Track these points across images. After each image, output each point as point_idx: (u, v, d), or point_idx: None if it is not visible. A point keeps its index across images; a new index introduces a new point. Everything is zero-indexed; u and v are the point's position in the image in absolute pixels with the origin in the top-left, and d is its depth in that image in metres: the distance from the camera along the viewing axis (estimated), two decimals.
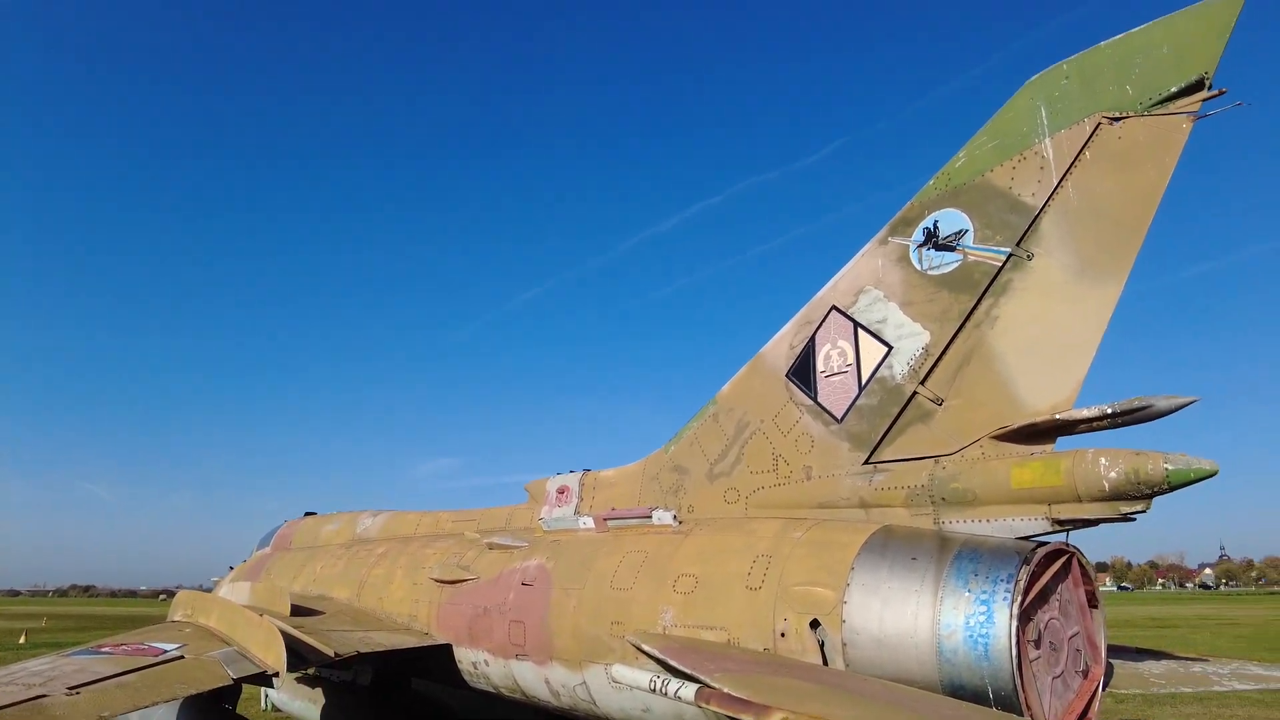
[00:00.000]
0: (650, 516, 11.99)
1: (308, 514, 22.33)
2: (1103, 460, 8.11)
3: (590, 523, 12.92)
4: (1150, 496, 8.01)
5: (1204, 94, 8.28)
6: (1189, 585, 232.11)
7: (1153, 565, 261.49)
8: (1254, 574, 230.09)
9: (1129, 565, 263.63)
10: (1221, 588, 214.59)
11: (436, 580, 14.02)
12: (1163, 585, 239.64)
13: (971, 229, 9.69)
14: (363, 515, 19.75)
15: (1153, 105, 8.57)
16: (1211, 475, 7.71)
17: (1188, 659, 11.90)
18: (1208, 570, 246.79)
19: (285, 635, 11.16)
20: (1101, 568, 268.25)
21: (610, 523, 12.63)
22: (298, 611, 13.69)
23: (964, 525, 9.11)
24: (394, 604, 14.84)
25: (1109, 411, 8.32)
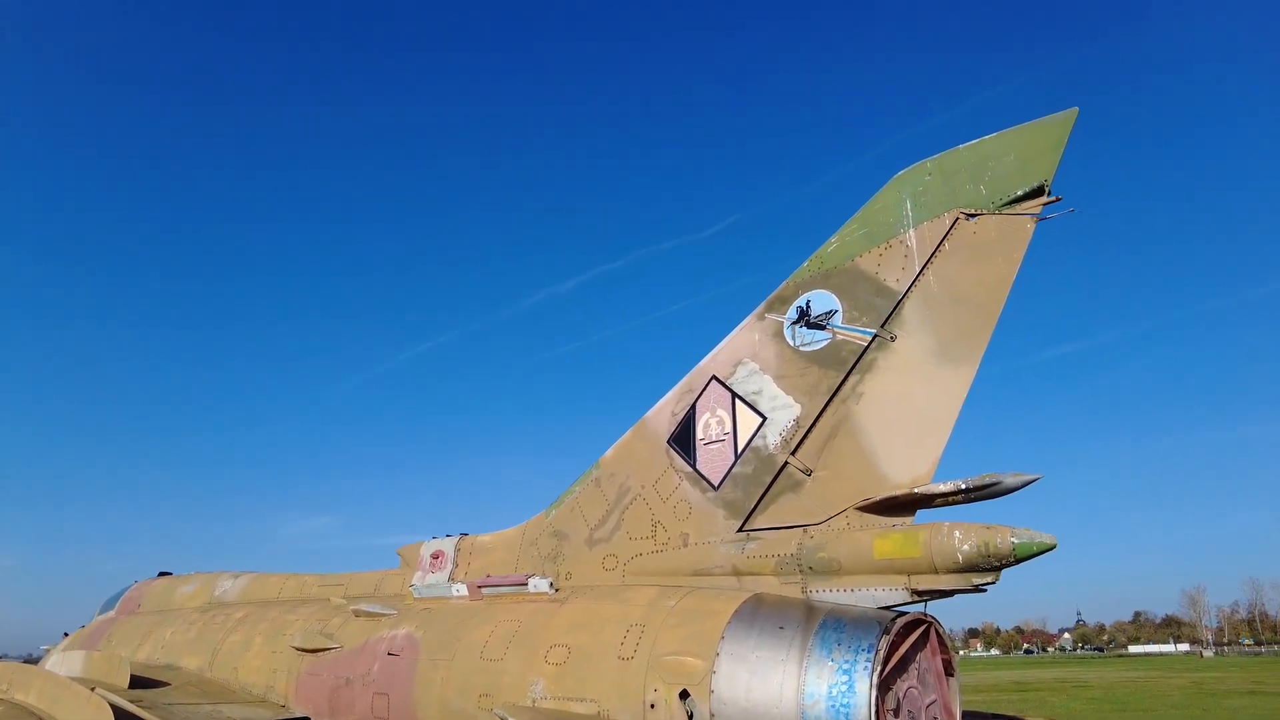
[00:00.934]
0: (526, 584, 11.77)
1: (162, 574, 20.69)
2: (957, 533, 8.57)
3: (463, 590, 12.55)
4: (999, 569, 8.49)
5: (1044, 199, 9.12)
6: (1050, 650, 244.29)
7: (1019, 630, 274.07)
8: (1105, 637, 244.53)
9: (998, 630, 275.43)
10: (1079, 650, 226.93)
11: (297, 649, 13.22)
12: (1027, 650, 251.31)
13: (841, 309, 10.23)
14: (222, 577, 18.48)
15: (1003, 205, 9.37)
16: (1051, 549, 8.26)
17: None
18: (1066, 635, 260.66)
19: (118, 711, 10.23)
20: (974, 633, 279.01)
21: (484, 590, 12.31)
22: (138, 683, 12.60)
23: (830, 594, 9.38)
24: (250, 674, 13.87)
25: (963, 487, 8.83)
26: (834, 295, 10.37)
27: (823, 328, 10.33)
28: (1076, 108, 9.14)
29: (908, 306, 9.77)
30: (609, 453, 12.23)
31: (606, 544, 11.65)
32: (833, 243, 10.62)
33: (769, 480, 10.25)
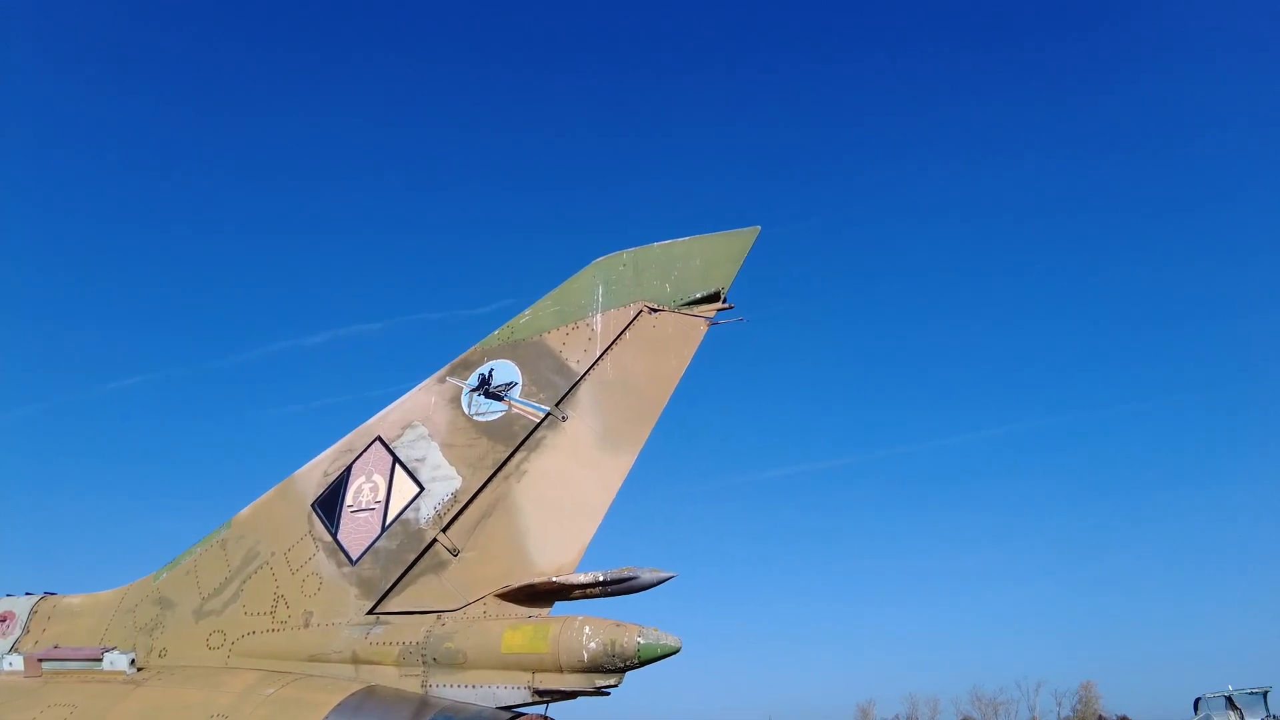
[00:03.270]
0: (101, 659, 9.61)
1: None
2: (587, 629, 8.11)
3: (19, 663, 10.04)
4: (623, 670, 8.10)
5: (719, 305, 9.44)
6: None
7: None
8: None
9: None
10: None
11: None
12: None
13: (521, 383, 9.80)
14: None
15: (683, 304, 9.56)
16: (676, 651, 8.04)
17: None
18: None
19: None
20: None
21: (46, 665, 9.91)
22: None
23: (451, 690, 8.46)
24: None
25: (600, 579, 8.47)
26: (517, 367, 9.94)
27: (500, 399, 9.81)
28: (759, 226, 9.69)
29: (583, 388, 9.55)
30: (245, 511, 10.62)
31: (217, 617, 9.90)
32: (526, 315, 10.28)
33: (413, 558, 9.29)
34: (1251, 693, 21.31)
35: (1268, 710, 20.23)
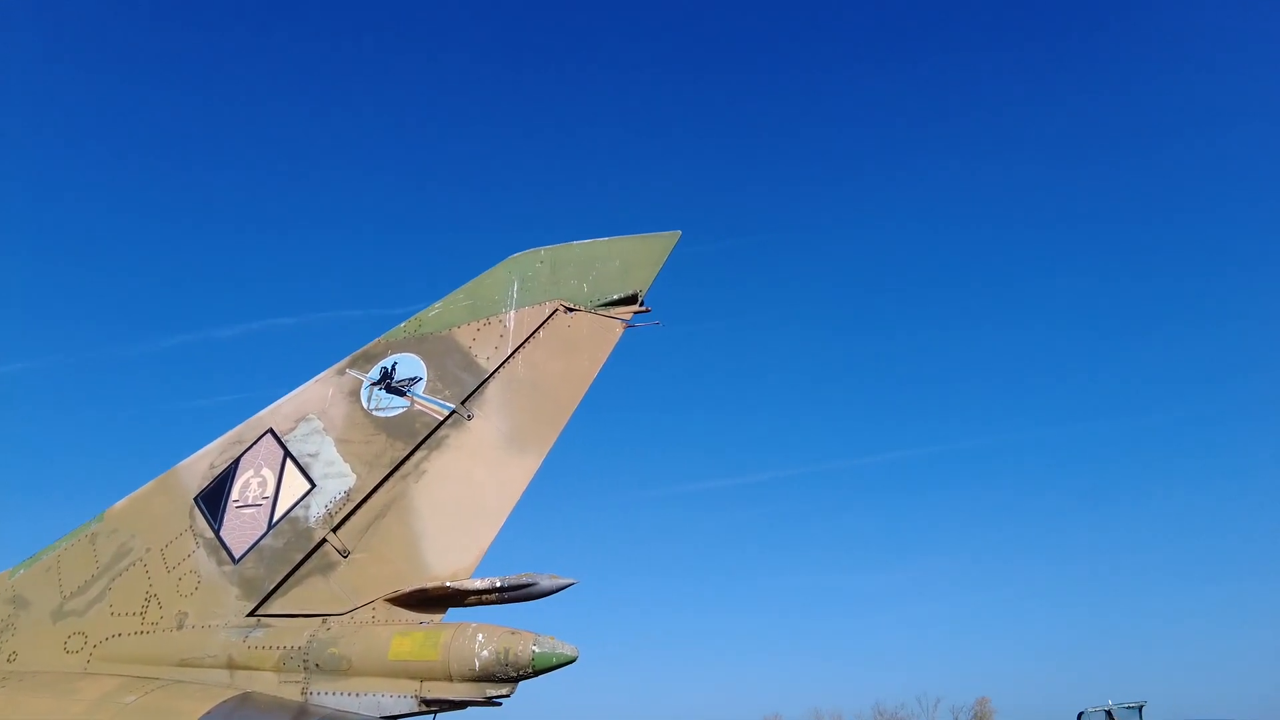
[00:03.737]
0: None
1: None
2: (480, 636, 7.79)
3: None
4: (516, 680, 7.80)
5: (636, 307, 9.28)
6: None
7: None
8: None
9: None
10: None
11: None
12: None
13: (426, 378, 9.41)
14: None
15: (599, 305, 9.37)
16: (572, 661, 7.79)
17: None
18: None
19: None
20: None
21: None
22: None
23: (333, 698, 7.98)
24: None
25: (497, 585, 8.16)
26: (423, 362, 9.54)
27: (403, 394, 9.39)
28: (680, 231, 9.60)
29: (492, 387, 9.23)
30: (120, 504, 9.85)
31: (78, 618, 9.13)
32: (436, 308, 9.90)
33: (300, 558, 8.77)
34: (1128, 707, 22.31)
35: None
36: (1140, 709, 21.91)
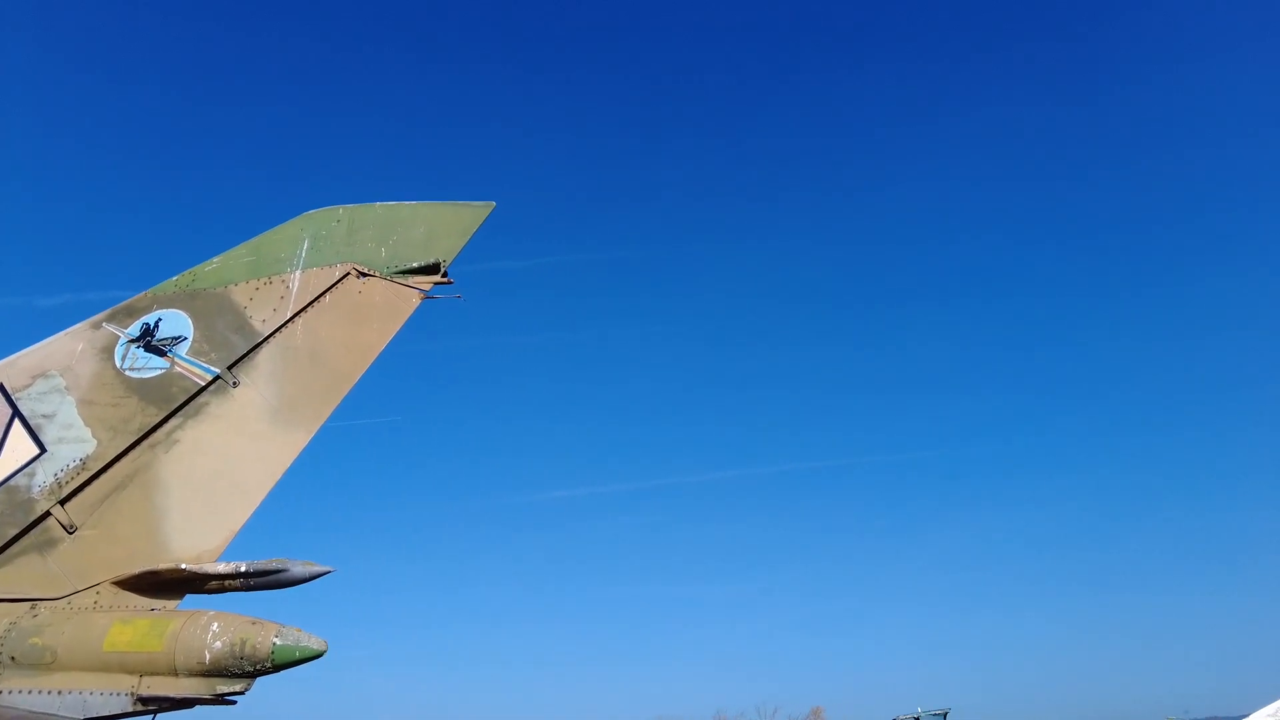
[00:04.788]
0: None
1: None
2: (215, 626, 6.91)
3: None
4: (253, 675, 6.96)
5: (438, 278, 8.65)
6: None
7: None
8: None
9: None
10: None
11: None
12: None
13: (191, 338, 8.41)
14: None
15: (397, 272, 8.67)
16: (319, 655, 7.04)
17: None
18: None
19: None
20: None
21: None
22: None
23: (28, 696, 6.87)
24: None
25: (242, 570, 7.31)
26: (190, 320, 8.53)
27: (163, 354, 8.35)
28: (494, 202, 9.04)
29: (264, 353, 8.34)
30: None
31: None
32: (214, 262, 8.89)
33: (14, 533, 7.57)
34: (934, 714, 23.34)
35: None
36: (945, 715, 22.96)
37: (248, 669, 6.86)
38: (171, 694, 6.78)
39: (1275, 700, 20.85)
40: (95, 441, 7.94)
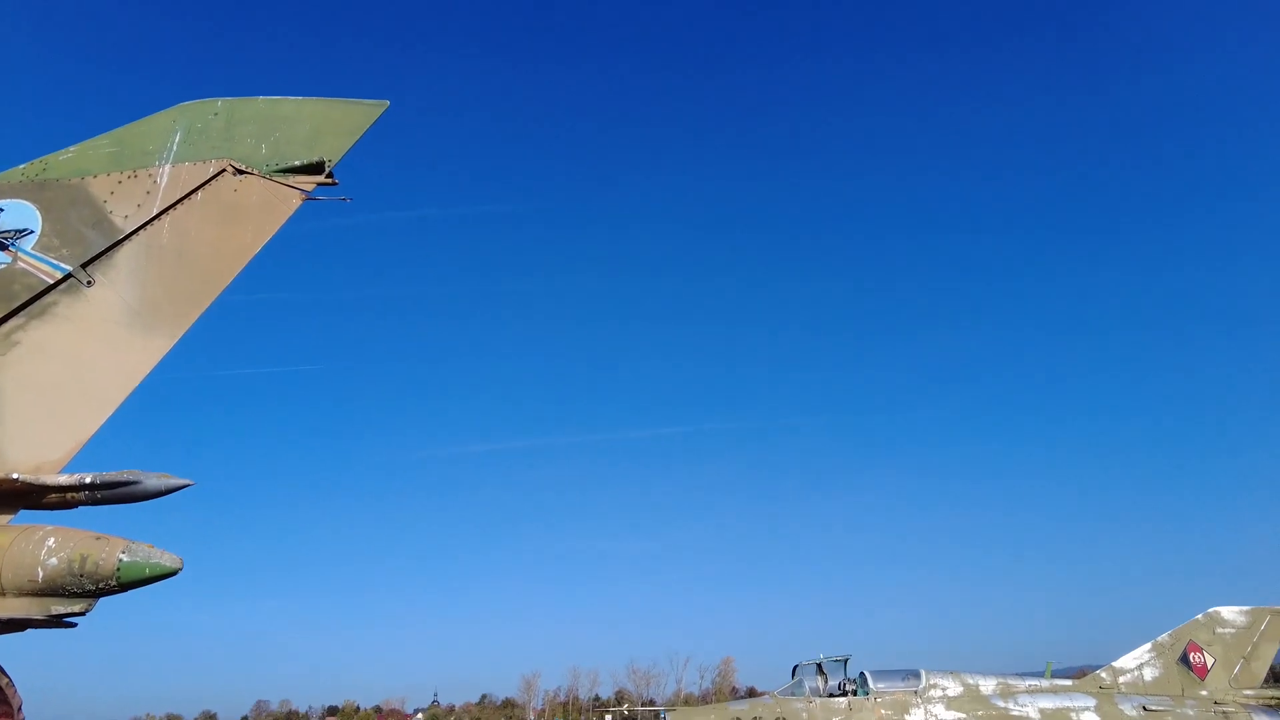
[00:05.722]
0: None
1: None
2: (51, 541, 6.27)
3: None
4: (96, 594, 6.37)
5: (321, 178, 8.00)
6: None
7: (378, 709, 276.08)
8: (453, 718, 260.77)
9: (358, 708, 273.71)
10: None
11: None
12: None
13: (39, 232, 7.56)
14: None
15: (277, 171, 7.98)
16: (173, 573, 6.48)
17: None
18: (420, 714, 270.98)
19: None
20: (333, 710, 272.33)
21: None
22: None
23: None
24: None
25: (88, 481, 6.65)
26: (39, 212, 7.66)
27: (4, 247, 7.48)
28: (388, 101, 8.38)
29: (125, 251, 7.57)
30: None
31: None
32: (70, 151, 8.01)
33: None
34: (835, 660, 24.01)
35: (845, 675, 22.84)
36: (845, 662, 23.58)
37: (89, 588, 6.26)
38: (1, 615, 6.14)
39: (1141, 645, 22.19)
40: None
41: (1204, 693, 21.59)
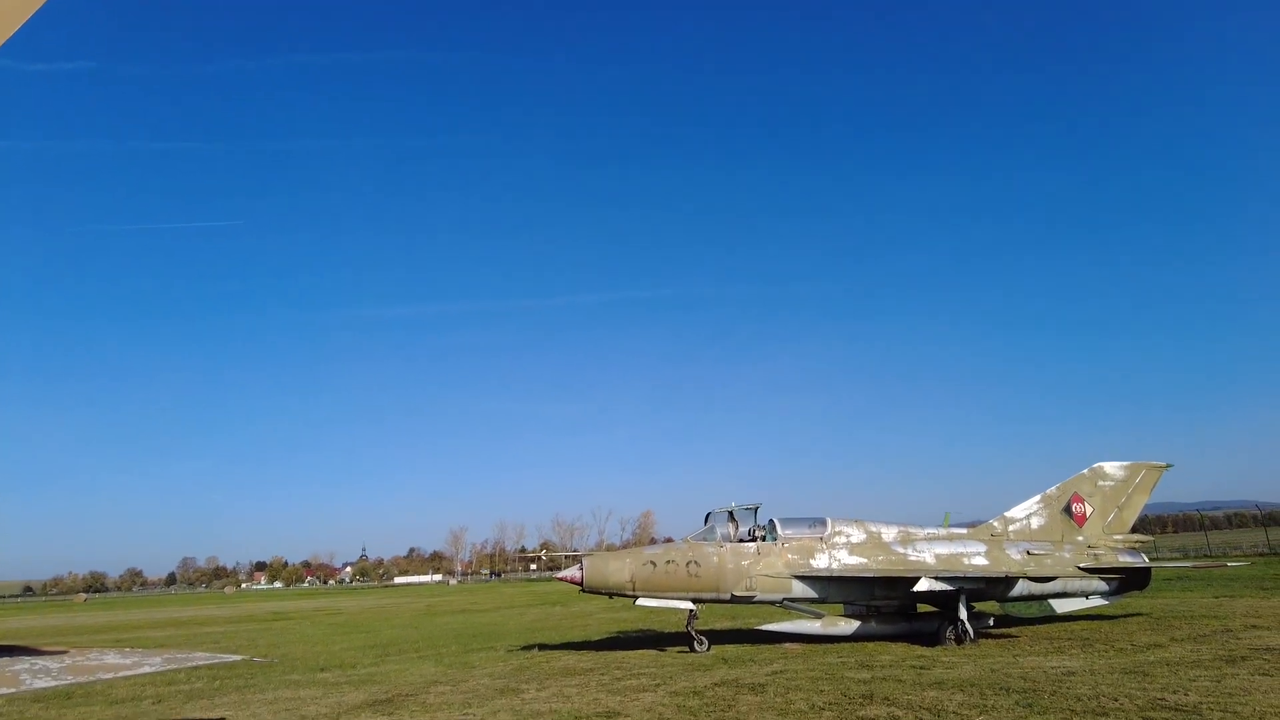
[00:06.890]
0: None
1: None
2: None
3: None
4: None
5: None
6: (330, 582, 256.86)
7: (306, 564, 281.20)
8: (381, 570, 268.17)
9: (285, 564, 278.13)
10: (354, 583, 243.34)
11: None
12: (310, 582, 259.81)
13: None
14: None
15: None
16: None
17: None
18: (348, 568, 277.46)
19: None
20: (260, 566, 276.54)
21: None
22: None
23: None
24: None
25: None
26: None
27: None
28: None
29: None
30: None
31: None
32: None
33: None
34: (746, 508, 24.87)
35: (755, 521, 23.74)
36: (756, 510, 24.44)
37: None
38: None
39: (1030, 498, 23.72)
40: None
41: (1080, 538, 23.37)
